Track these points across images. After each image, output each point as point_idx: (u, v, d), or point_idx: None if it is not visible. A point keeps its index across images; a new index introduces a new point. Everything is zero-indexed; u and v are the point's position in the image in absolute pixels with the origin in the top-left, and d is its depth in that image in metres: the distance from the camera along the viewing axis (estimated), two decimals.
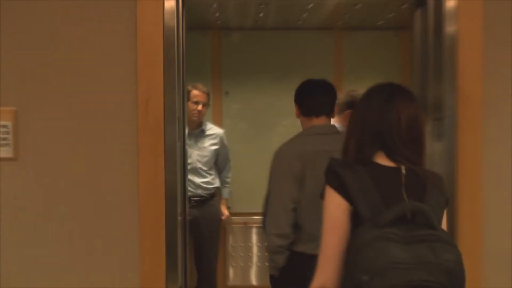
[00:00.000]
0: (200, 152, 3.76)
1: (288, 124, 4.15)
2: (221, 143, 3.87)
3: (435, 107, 2.19)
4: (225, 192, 4.00)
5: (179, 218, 2.08)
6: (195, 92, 3.69)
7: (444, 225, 1.53)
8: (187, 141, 3.55)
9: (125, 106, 2.03)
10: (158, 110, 2.01)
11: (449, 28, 2.10)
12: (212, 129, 3.84)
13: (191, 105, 3.65)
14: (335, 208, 1.49)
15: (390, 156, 1.52)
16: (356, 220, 1.46)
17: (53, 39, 2.02)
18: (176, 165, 2.06)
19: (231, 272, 4.26)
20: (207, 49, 4.31)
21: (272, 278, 2.42)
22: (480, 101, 2.08)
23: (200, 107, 3.69)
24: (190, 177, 3.66)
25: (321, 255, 1.49)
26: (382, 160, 1.53)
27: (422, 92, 2.31)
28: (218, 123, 4.22)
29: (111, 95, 2.03)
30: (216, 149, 3.83)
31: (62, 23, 2.02)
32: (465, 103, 2.09)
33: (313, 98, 2.40)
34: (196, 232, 3.70)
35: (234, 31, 4.29)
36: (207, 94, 3.76)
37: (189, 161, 3.64)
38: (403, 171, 1.50)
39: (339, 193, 1.48)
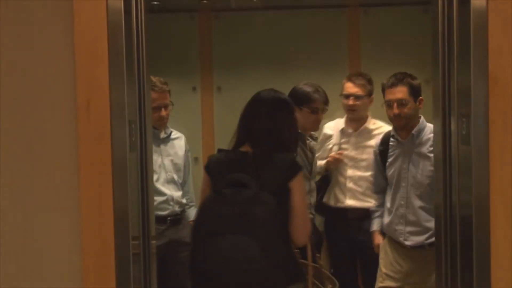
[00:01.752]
0: (173, 158, 3.67)
1: None
2: (186, 147, 3.81)
3: (461, 99, 2.08)
4: (192, 213, 3.79)
5: (130, 252, 1.96)
6: (152, 94, 3.34)
7: (296, 191, 2.46)
8: (154, 148, 3.46)
9: (61, 109, 1.92)
10: (103, 113, 1.91)
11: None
12: (174, 131, 3.76)
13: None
14: (203, 183, 2.59)
15: (251, 146, 2.53)
16: None
17: None
18: (128, 181, 1.95)
19: None
20: (195, 35, 4.24)
21: None
22: None
23: (162, 112, 3.53)
24: (167, 190, 3.57)
25: None
26: (246, 148, 2.54)
27: (445, 81, 2.22)
28: (209, 125, 4.17)
29: (43, 96, 1.93)
30: (185, 154, 3.77)
31: None
32: (498, 94, 1.95)
33: None
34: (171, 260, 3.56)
35: (227, 12, 4.20)
36: (168, 92, 3.56)
37: (162, 172, 3.57)
38: (250, 154, 2.51)
39: (205, 171, 2.58)
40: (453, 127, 2.15)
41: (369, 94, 3.85)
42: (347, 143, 3.99)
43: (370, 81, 3.85)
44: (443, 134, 2.25)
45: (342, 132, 4.01)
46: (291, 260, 2.47)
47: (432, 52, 2.33)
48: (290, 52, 4.24)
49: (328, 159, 3.98)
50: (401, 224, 3.30)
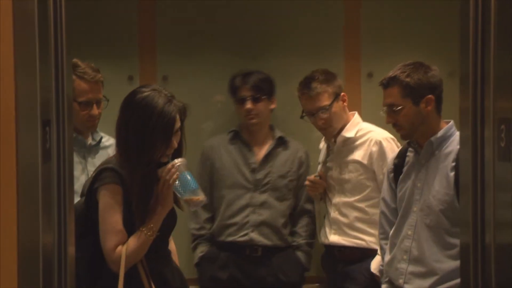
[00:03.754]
0: None
1: None
2: None
3: (500, 98, 2.10)
4: None
5: None
6: (81, 84, 3.45)
7: (99, 207, 2.88)
8: (76, 159, 3.44)
9: None
10: (6, 110, 1.90)
11: None
12: (106, 136, 3.80)
13: (77, 108, 3.44)
14: None
15: None
16: None
17: None
18: (40, 204, 1.95)
19: None
20: (133, 5, 4.37)
21: None
22: None
23: (94, 109, 3.54)
24: None
25: None
26: None
27: (477, 73, 2.22)
28: None
29: None
30: None
31: None
32: None
33: None
34: None
35: None
36: (102, 83, 3.59)
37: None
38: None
39: None
40: (487, 136, 2.15)
41: (335, 96, 3.88)
42: (332, 160, 4.05)
43: (327, 79, 3.88)
44: (474, 146, 2.24)
45: (328, 146, 4.07)
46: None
47: (460, 32, 2.31)
48: (262, 35, 4.35)
49: (306, 183, 4.06)
50: (404, 261, 3.31)
